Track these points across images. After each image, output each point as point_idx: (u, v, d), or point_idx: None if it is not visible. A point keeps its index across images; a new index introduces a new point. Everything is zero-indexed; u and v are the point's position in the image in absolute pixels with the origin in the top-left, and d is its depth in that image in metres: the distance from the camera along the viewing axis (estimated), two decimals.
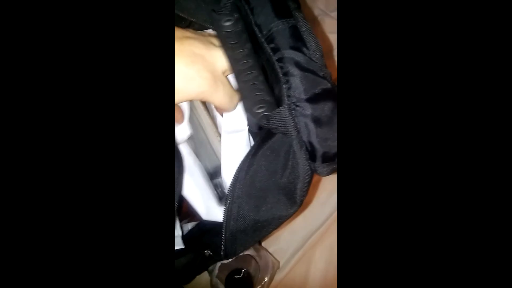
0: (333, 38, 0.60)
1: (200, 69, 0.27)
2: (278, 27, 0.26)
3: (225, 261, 0.46)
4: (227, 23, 0.29)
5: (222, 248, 0.30)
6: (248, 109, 0.29)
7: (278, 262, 0.47)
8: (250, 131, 0.33)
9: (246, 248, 0.31)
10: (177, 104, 0.31)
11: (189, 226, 0.35)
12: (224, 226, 0.29)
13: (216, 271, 0.45)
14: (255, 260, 0.46)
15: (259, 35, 0.27)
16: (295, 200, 0.28)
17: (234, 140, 0.33)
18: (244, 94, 0.29)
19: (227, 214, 0.28)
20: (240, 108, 0.32)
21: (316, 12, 0.63)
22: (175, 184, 0.29)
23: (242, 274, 0.44)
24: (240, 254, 0.46)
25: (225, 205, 0.28)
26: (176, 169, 0.29)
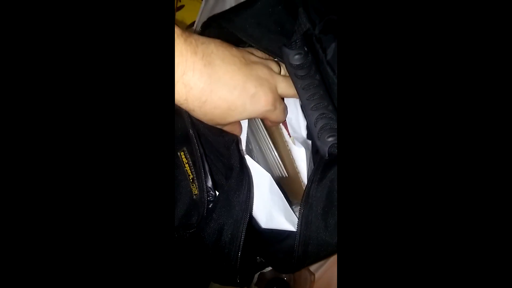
0: None
1: (266, 91, 0.31)
2: None
3: (264, 271, 0.48)
4: (297, 56, 0.32)
5: (293, 265, 0.32)
6: (318, 137, 0.32)
7: (314, 274, 0.50)
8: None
9: (312, 264, 0.34)
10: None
11: None
12: (297, 244, 0.31)
13: (255, 280, 0.48)
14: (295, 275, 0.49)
15: (331, 73, 0.31)
16: None
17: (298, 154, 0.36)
18: (314, 122, 0.32)
19: (302, 233, 0.31)
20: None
21: None
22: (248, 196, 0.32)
23: (280, 283, 0.47)
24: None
25: (298, 222, 0.31)
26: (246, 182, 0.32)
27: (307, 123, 0.33)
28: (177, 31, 0.27)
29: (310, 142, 0.37)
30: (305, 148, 0.38)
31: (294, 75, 0.32)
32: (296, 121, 0.38)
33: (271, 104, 0.32)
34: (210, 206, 0.34)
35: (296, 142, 0.39)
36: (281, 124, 0.39)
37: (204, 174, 0.34)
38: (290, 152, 0.39)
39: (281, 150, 0.39)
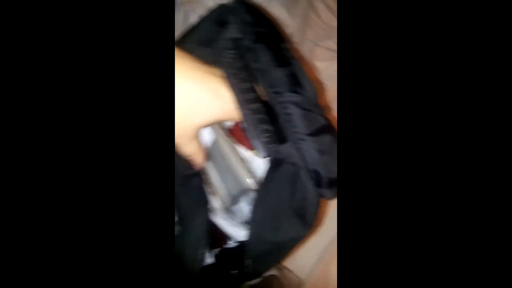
0: (323, 65, 0.65)
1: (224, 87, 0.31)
2: (278, 74, 0.30)
3: (251, 282, 0.49)
4: (228, 53, 0.33)
5: (247, 270, 0.33)
6: (254, 137, 0.32)
7: (300, 279, 0.50)
8: None
9: (269, 268, 0.34)
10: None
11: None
12: (247, 249, 0.32)
13: None
14: (279, 279, 0.49)
15: (263, 81, 0.31)
16: (308, 223, 0.31)
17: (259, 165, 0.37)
18: (249, 122, 0.32)
19: (251, 238, 0.32)
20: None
21: (306, 44, 0.68)
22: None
23: None
24: (265, 275, 0.49)
25: (247, 230, 0.32)
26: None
27: (244, 122, 0.33)
28: None
29: None
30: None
31: (228, 71, 0.33)
32: None
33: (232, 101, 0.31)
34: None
35: (260, 154, 0.39)
36: (234, 144, 0.40)
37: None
38: (246, 166, 0.40)
39: (240, 166, 0.40)
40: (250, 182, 0.39)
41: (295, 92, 0.29)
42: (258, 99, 0.33)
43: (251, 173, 0.39)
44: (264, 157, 0.33)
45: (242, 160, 0.39)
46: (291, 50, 0.32)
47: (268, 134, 0.32)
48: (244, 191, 0.38)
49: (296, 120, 0.29)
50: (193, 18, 0.63)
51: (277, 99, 0.30)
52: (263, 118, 0.32)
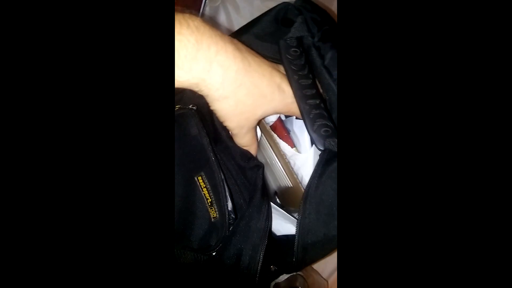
0: None
1: (287, 83, 0.33)
2: None
3: (278, 281, 0.49)
4: (293, 50, 0.34)
5: (294, 259, 0.33)
6: (314, 131, 0.33)
7: (326, 281, 0.50)
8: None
9: (315, 261, 0.35)
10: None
11: None
12: (296, 238, 0.33)
13: None
14: (304, 279, 0.49)
15: (327, 76, 0.33)
16: None
17: (302, 161, 0.38)
18: (307, 117, 0.33)
19: (299, 228, 0.32)
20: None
21: None
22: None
23: None
24: (291, 274, 0.49)
25: (297, 219, 0.32)
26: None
27: (302, 116, 0.34)
28: (199, 20, 0.27)
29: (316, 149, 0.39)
30: (313, 153, 0.39)
31: (290, 68, 0.34)
32: (300, 131, 0.40)
33: (292, 96, 0.33)
34: (230, 229, 0.35)
35: (301, 150, 0.40)
36: (278, 139, 0.41)
37: (225, 198, 0.35)
38: (289, 163, 0.41)
39: (282, 162, 0.41)
40: (288, 178, 0.40)
41: None
42: (318, 96, 0.34)
43: (291, 169, 0.39)
44: (322, 149, 0.34)
45: (284, 155, 0.40)
46: None
47: (326, 129, 0.33)
48: (280, 187, 0.38)
49: None
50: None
51: None
52: (322, 114, 0.33)
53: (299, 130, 0.39)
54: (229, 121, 0.32)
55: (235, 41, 0.30)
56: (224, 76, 0.28)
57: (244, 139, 0.35)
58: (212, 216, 0.36)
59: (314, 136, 0.33)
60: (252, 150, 0.37)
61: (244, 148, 0.37)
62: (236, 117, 0.32)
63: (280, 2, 0.38)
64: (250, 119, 0.33)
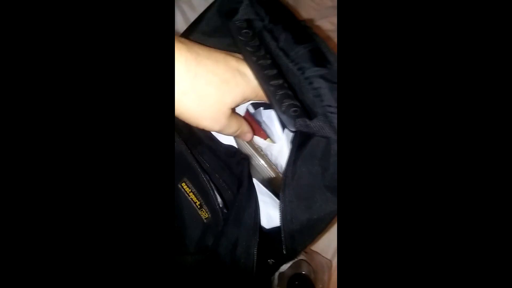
0: None
1: (247, 68, 0.31)
2: (300, 51, 0.30)
3: (282, 270, 0.49)
4: (244, 31, 0.33)
5: (284, 250, 0.33)
6: (283, 112, 0.32)
7: (330, 261, 0.50)
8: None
9: (305, 247, 0.34)
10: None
11: None
12: (282, 228, 0.32)
13: (276, 281, 0.48)
14: (308, 263, 0.49)
15: (284, 58, 0.32)
16: None
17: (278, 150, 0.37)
18: (273, 99, 0.31)
19: (282, 217, 0.32)
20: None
21: (327, 26, 0.68)
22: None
23: (301, 278, 0.47)
24: (293, 261, 0.49)
25: (279, 209, 0.32)
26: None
27: (268, 99, 0.32)
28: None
29: (289, 135, 0.38)
30: (286, 141, 0.39)
31: (246, 50, 0.32)
32: (269, 120, 0.39)
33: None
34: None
35: (275, 139, 0.40)
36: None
37: (215, 196, 0.35)
38: (266, 156, 0.40)
39: (259, 155, 0.40)
40: (269, 169, 0.39)
41: (321, 66, 0.29)
42: (280, 75, 0.33)
43: (269, 160, 0.39)
44: (293, 131, 0.33)
45: (259, 149, 0.39)
46: (311, 27, 0.32)
47: (295, 109, 0.32)
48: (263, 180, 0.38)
49: (324, 93, 0.29)
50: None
51: (302, 75, 0.30)
52: (287, 93, 0.32)
53: (268, 119, 0.38)
54: (202, 120, 0.30)
55: (177, 36, 0.29)
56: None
57: (231, 129, 0.33)
58: (203, 217, 0.36)
59: (284, 117, 0.31)
60: (245, 132, 0.35)
61: (240, 133, 0.35)
62: (205, 113, 0.29)
63: None
64: (222, 110, 0.30)
